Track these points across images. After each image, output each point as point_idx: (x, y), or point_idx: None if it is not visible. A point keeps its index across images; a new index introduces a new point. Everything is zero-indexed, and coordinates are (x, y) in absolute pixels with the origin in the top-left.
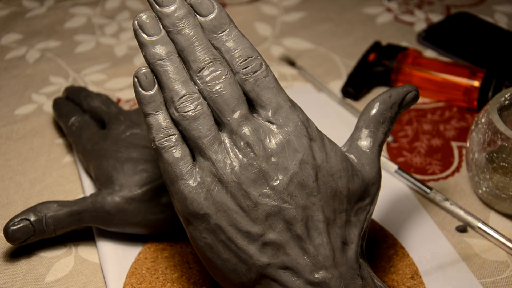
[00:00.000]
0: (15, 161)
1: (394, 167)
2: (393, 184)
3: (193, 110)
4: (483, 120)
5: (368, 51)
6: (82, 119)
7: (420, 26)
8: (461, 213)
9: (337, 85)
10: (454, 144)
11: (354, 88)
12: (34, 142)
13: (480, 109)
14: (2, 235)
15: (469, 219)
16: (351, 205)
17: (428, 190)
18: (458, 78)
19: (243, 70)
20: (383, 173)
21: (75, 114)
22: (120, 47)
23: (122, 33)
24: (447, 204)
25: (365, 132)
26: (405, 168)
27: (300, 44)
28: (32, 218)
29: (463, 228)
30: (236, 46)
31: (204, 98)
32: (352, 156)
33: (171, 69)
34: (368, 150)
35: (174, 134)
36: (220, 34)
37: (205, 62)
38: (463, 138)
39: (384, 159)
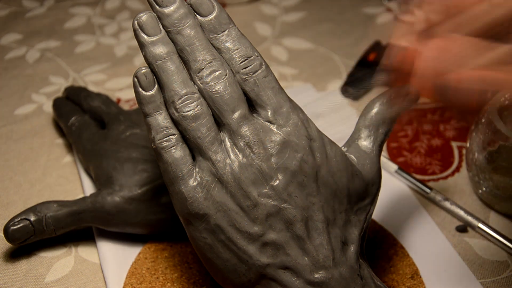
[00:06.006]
0: (15, 161)
1: (394, 167)
2: (393, 184)
3: (193, 110)
4: (483, 120)
5: (368, 51)
6: (82, 119)
7: (420, 26)
8: (461, 213)
9: (337, 85)
10: (454, 144)
11: (354, 88)
12: (34, 142)
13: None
14: (2, 235)
15: (469, 219)
16: (351, 205)
17: (428, 190)
18: None
19: (243, 70)
20: (383, 173)
21: (75, 114)
22: (120, 47)
23: (122, 33)
24: (447, 204)
25: (365, 132)
26: (405, 168)
27: (300, 44)
28: (32, 218)
29: (463, 228)
30: (236, 46)
31: (204, 98)
32: (352, 156)
33: (171, 69)
34: (368, 150)
35: (174, 134)
36: (220, 34)
37: (205, 62)
38: (463, 138)
39: (384, 159)
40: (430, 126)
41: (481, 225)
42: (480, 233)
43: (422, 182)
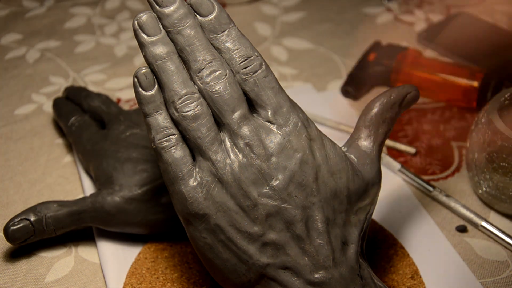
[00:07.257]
0: (15, 161)
1: (398, 165)
2: (393, 184)
3: (193, 110)
4: (483, 120)
5: (368, 51)
6: (82, 119)
7: (420, 26)
8: (464, 211)
9: (337, 85)
10: (454, 144)
11: (354, 88)
12: (34, 142)
13: (479, 109)
14: (2, 235)
15: (473, 217)
16: (351, 205)
17: (431, 189)
18: (457, 78)
19: (243, 70)
20: (384, 172)
21: (75, 114)
22: (120, 47)
23: (122, 33)
24: (450, 202)
25: (365, 132)
26: None
27: (300, 44)
28: (32, 218)
29: (463, 228)
30: (236, 46)
31: (204, 98)
32: (352, 156)
33: (171, 69)
34: (368, 150)
35: (174, 134)
36: (220, 34)
37: (205, 62)
38: (463, 138)
39: (387, 158)
40: (430, 126)
41: (484, 223)
42: (483, 231)
43: (424, 180)
